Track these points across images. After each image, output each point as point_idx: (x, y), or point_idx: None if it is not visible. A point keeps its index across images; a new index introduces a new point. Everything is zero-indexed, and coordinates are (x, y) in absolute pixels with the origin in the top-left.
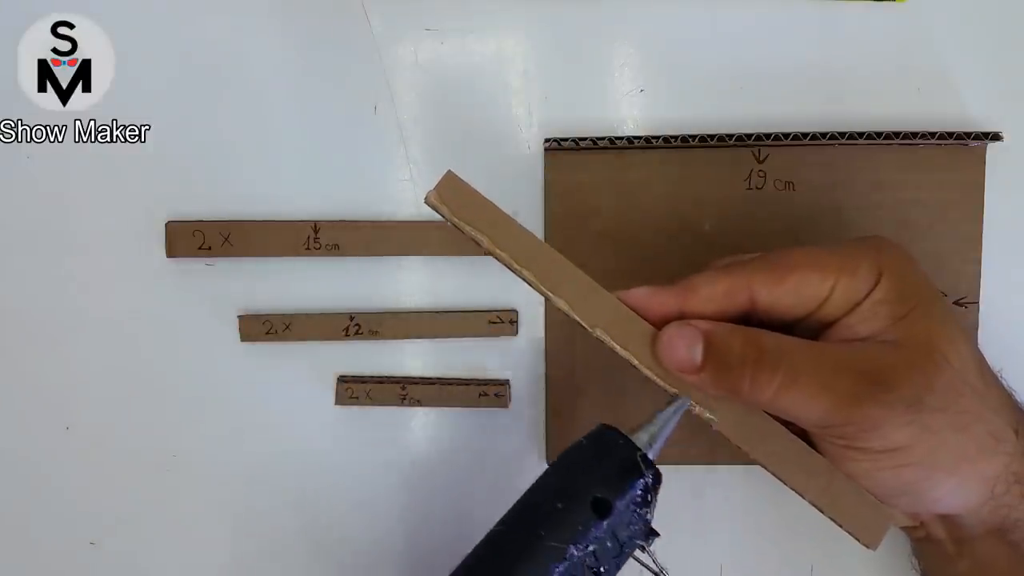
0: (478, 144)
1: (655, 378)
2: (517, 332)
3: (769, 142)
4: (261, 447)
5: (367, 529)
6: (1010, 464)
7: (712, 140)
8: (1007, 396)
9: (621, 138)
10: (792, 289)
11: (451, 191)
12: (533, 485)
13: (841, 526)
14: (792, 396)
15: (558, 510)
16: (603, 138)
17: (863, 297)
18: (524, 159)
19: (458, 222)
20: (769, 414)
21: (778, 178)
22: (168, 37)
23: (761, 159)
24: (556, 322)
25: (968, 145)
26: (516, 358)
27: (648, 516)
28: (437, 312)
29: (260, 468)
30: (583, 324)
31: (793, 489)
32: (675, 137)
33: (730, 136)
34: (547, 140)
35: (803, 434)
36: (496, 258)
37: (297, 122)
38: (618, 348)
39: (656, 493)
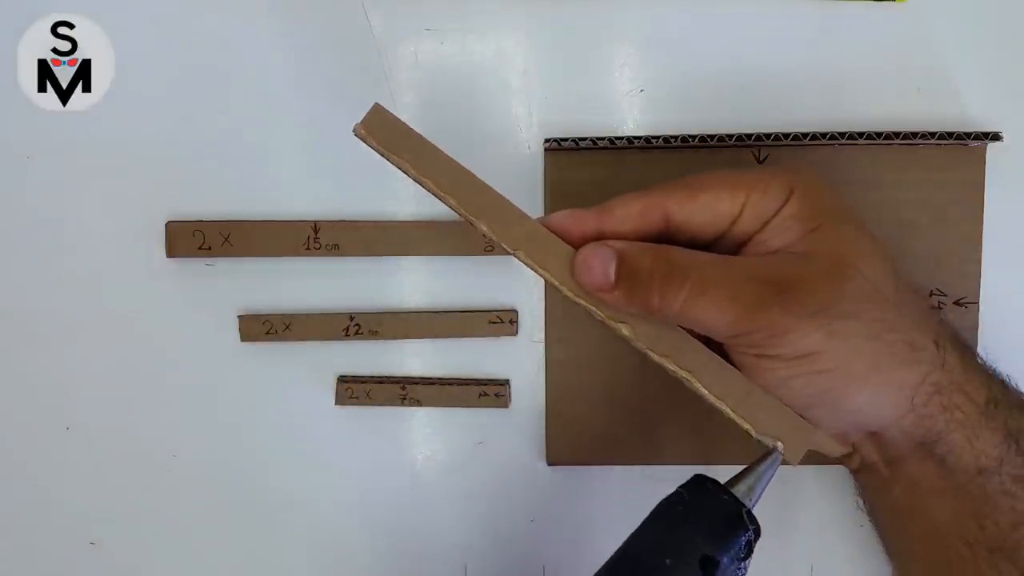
0: (478, 144)
1: (576, 299)
2: (517, 332)
3: (769, 142)
4: (261, 447)
5: (367, 529)
6: (929, 374)
7: (712, 140)
8: (928, 309)
9: (621, 138)
10: (704, 206)
11: (378, 123)
12: (634, 536)
13: (758, 435)
14: (700, 307)
15: (665, 566)
16: (603, 138)
17: (773, 213)
18: (524, 159)
19: (385, 152)
20: (687, 331)
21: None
22: (168, 37)
23: (761, 159)
24: (556, 320)
25: (968, 145)
26: (516, 358)
27: (747, 568)
28: (437, 312)
29: (260, 468)
30: (505, 247)
31: (712, 401)
32: (675, 137)
33: (730, 136)
34: (547, 140)
35: (719, 351)
36: (422, 186)
37: (297, 122)
38: (537, 269)
39: (755, 545)
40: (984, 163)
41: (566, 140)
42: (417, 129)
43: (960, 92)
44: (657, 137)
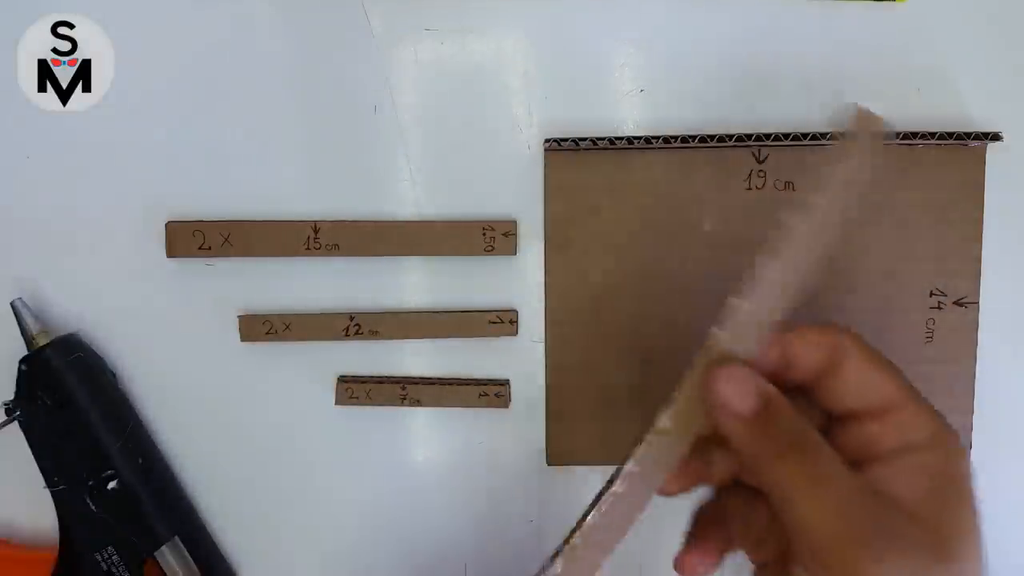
0: (478, 144)
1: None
2: (517, 332)
3: (769, 142)
4: (261, 447)
5: (367, 529)
6: None
7: (712, 140)
8: None
9: (621, 138)
10: (856, 393)
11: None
12: None
13: None
14: (800, 493)
15: None
16: (603, 138)
17: (913, 450)
18: (524, 159)
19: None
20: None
21: (778, 178)
22: (168, 37)
23: (761, 159)
24: (557, 322)
25: (968, 145)
26: (516, 358)
27: None
28: (437, 312)
29: (260, 468)
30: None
31: None
32: (675, 137)
33: (729, 136)
34: (547, 140)
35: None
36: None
37: (297, 122)
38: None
39: None
40: (984, 163)
41: (566, 140)
42: (417, 129)
43: (960, 92)
44: (657, 137)
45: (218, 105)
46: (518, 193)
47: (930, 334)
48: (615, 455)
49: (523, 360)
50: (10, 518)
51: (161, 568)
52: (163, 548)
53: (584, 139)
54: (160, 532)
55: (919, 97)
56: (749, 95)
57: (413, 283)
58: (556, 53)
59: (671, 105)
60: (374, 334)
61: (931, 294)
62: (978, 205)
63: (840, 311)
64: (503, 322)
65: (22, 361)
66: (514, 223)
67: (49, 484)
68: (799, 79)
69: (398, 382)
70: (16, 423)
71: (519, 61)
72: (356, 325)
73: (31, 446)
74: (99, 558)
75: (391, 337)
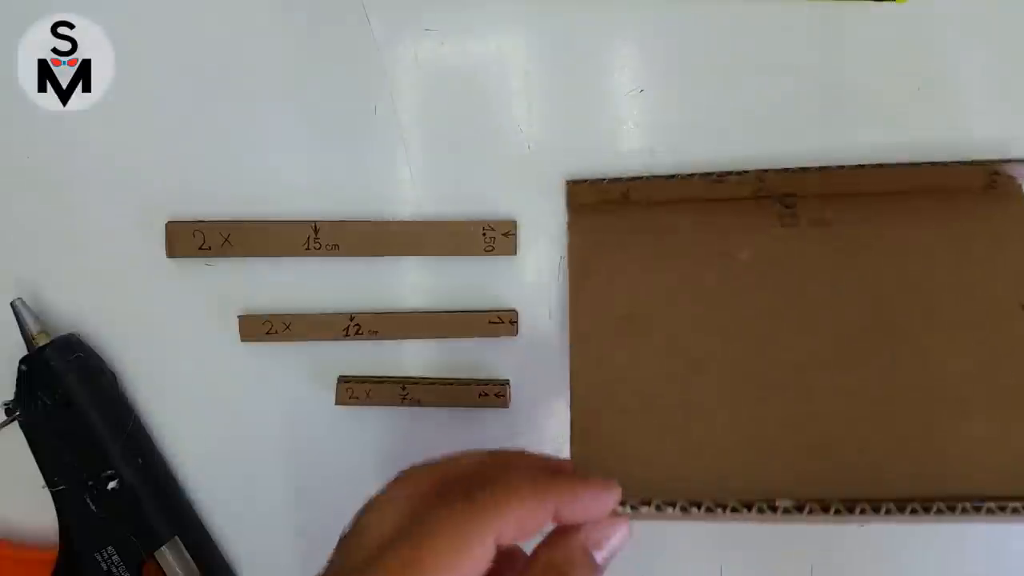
0: (478, 144)
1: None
2: (517, 332)
3: (792, 188)
4: (261, 447)
5: None
6: None
7: (732, 178)
8: None
9: (640, 177)
10: None
11: None
12: None
13: None
14: None
15: None
16: (621, 179)
17: None
18: (524, 159)
19: None
20: None
21: (811, 217)
22: (168, 37)
23: (788, 205)
24: (585, 348)
25: (1001, 174)
26: (516, 358)
27: None
28: (437, 312)
29: (260, 468)
30: None
31: None
32: (692, 175)
33: (745, 171)
34: (568, 181)
35: None
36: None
37: (297, 122)
38: None
39: None
40: (1020, 189)
41: (584, 181)
42: (417, 129)
43: (960, 92)
44: (673, 176)
45: (218, 105)
46: (518, 193)
47: None
48: (675, 486)
49: (523, 360)
50: (10, 518)
51: (161, 568)
52: (163, 548)
53: (603, 179)
54: (160, 532)
55: (919, 97)
56: (749, 95)
57: (413, 283)
58: (556, 53)
59: (672, 105)
60: (374, 334)
61: (1023, 307)
62: None
63: (923, 325)
64: (503, 322)
65: (22, 361)
66: (514, 223)
67: (49, 484)
68: (798, 79)
69: (398, 382)
70: (16, 423)
71: (519, 61)
72: (356, 325)
73: (31, 446)
74: (99, 558)
75: (391, 337)
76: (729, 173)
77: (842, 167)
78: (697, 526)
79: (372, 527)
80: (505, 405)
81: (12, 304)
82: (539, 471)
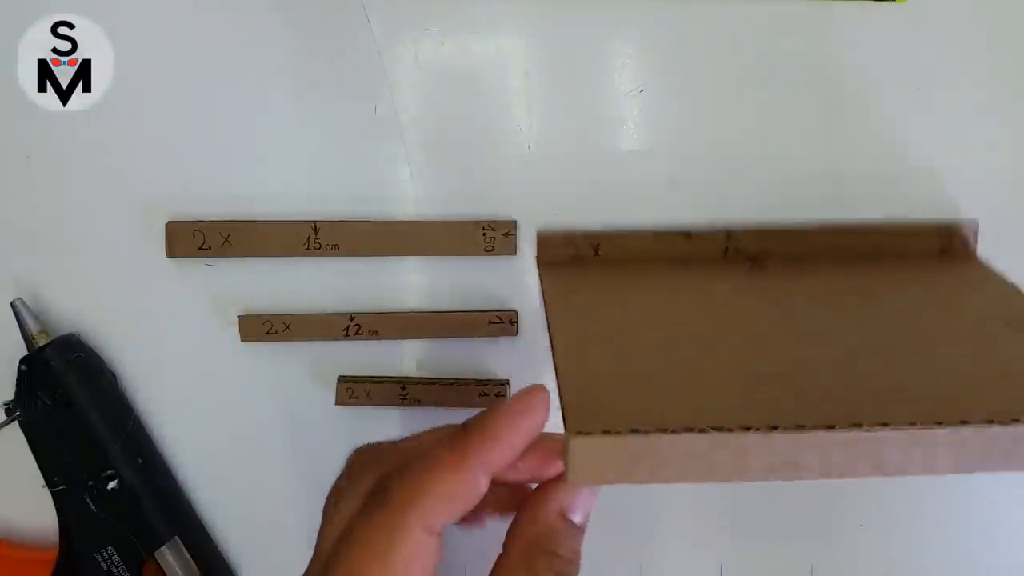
0: (478, 144)
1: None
2: (517, 332)
3: (760, 246)
4: (261, 447)
5: None
6: None
7: (701, 235)
8: None
9: (610, 232)
10: None
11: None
12: None
13: None
14: None
15: None
16: (591, 232)
17: None
18: (524, 159)
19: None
20: None
21: (776, 276)
22: (168, 37)
23: (757, 267)
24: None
25: (954, 236)
26: (516, 358)
27: None
28: (437, 312)
29: (260, 468)
30: None
31: None
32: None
33: (716, 233)
34: (539, 233)
35: None
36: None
37: (297, 122)
38: None
39: None
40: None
41: (556, 234)
42: (417, 129)
43: (960, 92)
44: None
45: (218, 105)
46: (518, 193)
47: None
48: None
49: (523, 360)
50: (10, 518)
51: (161, 568)
52: (163, 548)
53: (574, 232)
54: (160, 532)
55: (920, 96)
56: (749, 95)
57: (413, 283)
58: (556, 53)
59: (672, 105)
60: (374, 334)
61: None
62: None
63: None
64: (503, 322)
65: (22, 361)
66: (514, 223)
67: (49, 484)
68: (798, 78)
69: (398, 382)
70: (16, 423)
71: (519, 61)
72: (356, 325)
73: (31, 446)
74: (99, 558)
75: (391, 337)
76: (698, 231)
77: (805, 230)
78: (698, 526)
79: (324, 537)
80: None
81: (12, 304)
82: (456, 435)
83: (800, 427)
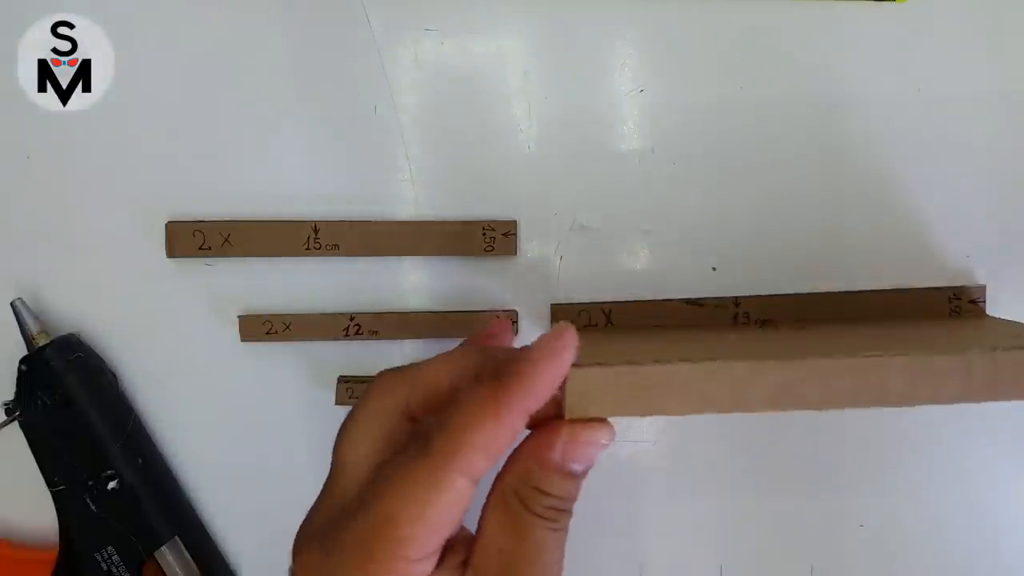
0: (478, 144)
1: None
2: (517, 332)
3: (769, 313)
4: (261, 447)
5: None
6: None
7: (711, 303)
8: None
9: (622, 302)
10: None
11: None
12: None
13: None
14: None
15: None
16: (603, 303)
17: None
18: (524, 159)
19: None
20: None
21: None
22: (168, 37)
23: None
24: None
25: (962, 299)
26: None
27: None
28: (437, 312)
29: (260, 468)
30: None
31: None
32: (672, 300)
33: (726, 300)
34: (553, 305)
35: None
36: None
37: (297, 122)
38: None
39: None
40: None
41: (571, 304)
42: (417, 129)
43: (961, 91)
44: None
45: (218, 105)
46: (518, 193)
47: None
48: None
49: None
50: (10, 518)
51: (161, 568)
52: (163, 548)
53: (586, 303)
54: (160, 532)
55: (920, 96)
56: (749, 95)
57: (413, 283)
58: (556, 53)
59: (671, 105)
60: (374, 334)
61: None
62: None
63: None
64: None
65: (22, 361)
66: (514, 223)
67: (49, 484)
68: (798, 78)
69: None
70: (16, 423)
71: (519, 61)
72: (356, 325)
73: (31, 446)
74: (99, 558)
75: (391, 337)
76: (707, 299)
77: (815, 294)
78: (698, 526)
79: (349, 466)
80: None
81: (12, 304)
82: (492, 381)
83: (798, 357)
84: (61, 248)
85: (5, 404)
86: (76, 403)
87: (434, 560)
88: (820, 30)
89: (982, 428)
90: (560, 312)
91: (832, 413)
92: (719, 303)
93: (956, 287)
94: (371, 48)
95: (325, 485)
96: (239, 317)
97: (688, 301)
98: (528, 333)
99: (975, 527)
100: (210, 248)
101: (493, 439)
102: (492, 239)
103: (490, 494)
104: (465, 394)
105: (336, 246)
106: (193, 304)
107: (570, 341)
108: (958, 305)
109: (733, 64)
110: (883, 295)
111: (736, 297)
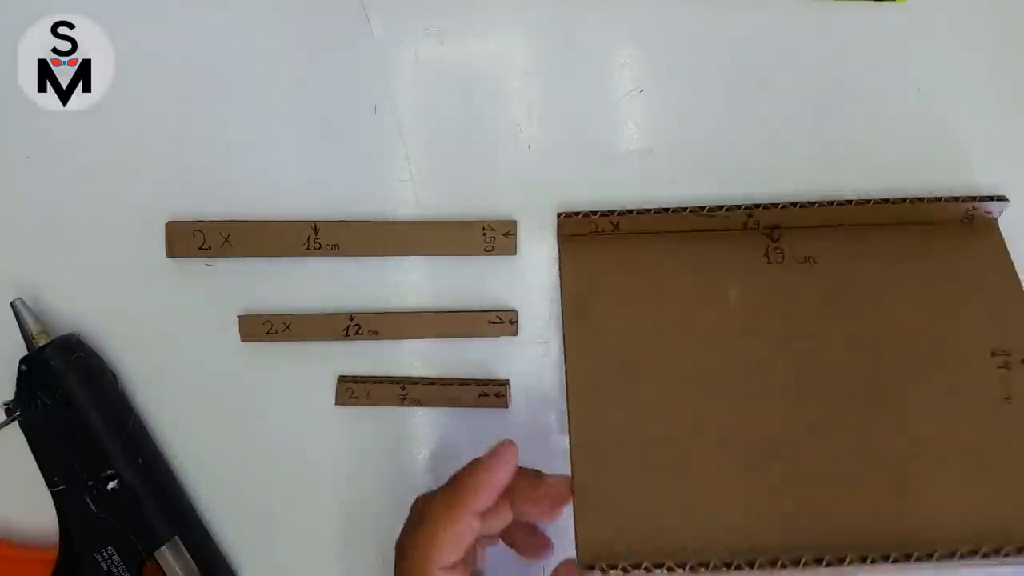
0: (478, 144)
1: None
2: (517, 332)
3: (779, 220)
4: (261, 447)
5: (367, 529)
6: None
7: (721, 211)
8: None
9: (631, 211)
10: None
11: None
12: None
13: None
14: None
15: None
16: (612, 211)
17: None
18: (524, 159)
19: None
20: None
21: (796, 254)
22: (168, 37)
23: (775, 239)
24: (581, 400)
25: (976, 211)
26: (516, 358)
27: None
28: (437, 312)
29: (260, 468)
30: None
31: None
32: (683, 208)
33: (738, 207)
34: (560, 214)
35: None
36: None
37: (297, 122)
38: None
39: None
40: (997, 229)
41: (577, 214)
42: (417, 129)
43: (960, 91)
44: (667, 208)
45: (218, 105)
46: (518, 193)
47: (1008, 397)
48: (655, 543)
49: (523, 360)
50: (10, 518)
51: (161, 568)
52: (163, 548)
53: (594, 213)
54: (160, 532)
55: (920, 97)
56: (749, 96)
57: (413, 283)
58: (556, 53)
59: (671, 105)
60: (374, 334)
61: (992, 354)
62: (1008, 266)
63: (897, 375)
64: (503, 322)
65: (22, 361)
66: (514, 223)
67: (49, 484)
68: (799, 78)
69: (398, 382)
70: (16, 423)
71: (519, 61)
72: (356, 325)
73: (31, 446)
74: (99, 558)
75: (391, 337)
76: (719, 207)
77: (826, 203)
78: None
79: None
80: (505, 405)
81: (12, 304)
82: (447, 490)
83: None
84: (61, 248)
85: (5, 404)
86: (76, 403)
87: None
88: (820, 30)
89: None
90: (567, 224)
91: None
92: (730, 210)
93: (971, 197)
94: (371, 48)
95: None
96: (239, 317)
97: (699, 209)
98: (528, 333)
99: None
100: (210, 248)
101: (452, 536)
102: (492, 239)
103: None
104: (433, 507)
105: (336, 246)
106: (193, 304)
107: (509, 457)
108: (972, 215)
109: (733, 64)
110: (894, 206)
111: (748, 205)
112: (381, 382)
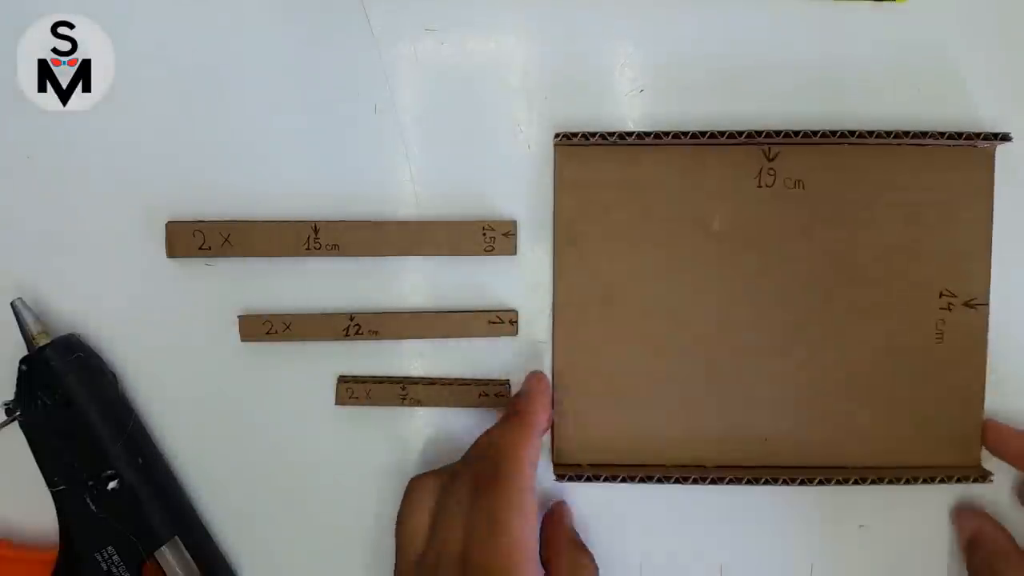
0: (478, 144)
1: None
2: (517, 332)
3: (779, 139)
4: (261, 447)
5: (367, 529)
6: None
7: (722, 136)
8: None
9: (631, 133)
10: None
11: None
12: None
13: None
14: None
15: None
16: (613, 133)
17: None
18: (524, 159)
19: None
20: None
21: (788, 176)
22: (168, 37)
23: (771, 157)
24: (565, 318)
25: (976, 146)
26: (516, 358)
27: None
28: (437, 312)
29: (260, 468)
30: None
31: None
32: (685, 133)
33: (740, 133)
34: (557, 134)
35: None
36: None
37: (297, 122)
38: None
39: None
40: (993, 164)
41: (576, 135)
42: (417, 129)
43: (961, 91)
44: (667, 133)
45: (218, 105)
46: (518, 193)
47: (940, 335)
48: (625, 454)
49: (523, 360)
50: (10, 518)
51: (161, 568)
52: (163, 548)
53: (594, 133)
54: (160, 532)
55: (920, 96)
56: (749, 96)
57: (413, 283)
58: (556, 52)
59: (671, 105)
60: (374, 334)
61: (940, 295)
62: (987, 206)
63: (850, 309)
64: (503, 322)
65: (22, 361)
66: (514, 223)
67: (49, 484)
68: (799, 79)
69: (398, 382)
70: (16, 423)
71: (519, 61)
72: (356, 325)
73: (31, 446)
74: (99, 558)
75: (391, 337)
76: (721, 133)
77: (828, 133)
78: (698, 525)
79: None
80: (505, 405)
81: (12, 304)
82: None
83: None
84: (61, 248)
85: (5, 404)
86: (76, 403)
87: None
88: (820, 30)
89: None
90: (563, 152)
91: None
92: (731, 136)
93: (974, 133)
94: (371, 48)
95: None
96: (239, 317)
97: (698, 135)
98: (528, 333)
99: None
100: (210, 248)
101: (534, 449)
102: (492, 239)
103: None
104: (495, 436)
105: (336, 246)
106: (193, 304)
107: (545, 385)
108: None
109: (733, 64)
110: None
111: (750, 133)
112: (381, 382)
